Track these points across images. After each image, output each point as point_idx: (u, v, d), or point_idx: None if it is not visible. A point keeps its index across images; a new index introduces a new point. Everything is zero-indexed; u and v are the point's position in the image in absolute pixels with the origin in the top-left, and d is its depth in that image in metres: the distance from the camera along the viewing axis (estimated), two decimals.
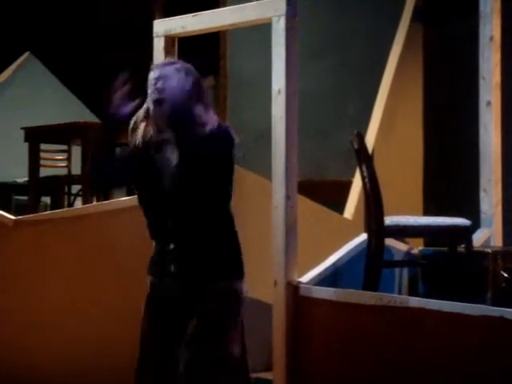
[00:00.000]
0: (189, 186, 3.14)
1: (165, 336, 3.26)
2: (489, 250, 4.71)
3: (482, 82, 5.37)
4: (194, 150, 3.15)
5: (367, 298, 4.02)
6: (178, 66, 3.20)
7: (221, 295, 3.21)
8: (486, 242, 5.14)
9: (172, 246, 3.21)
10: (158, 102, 3.14)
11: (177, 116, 3.15)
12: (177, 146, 3.16)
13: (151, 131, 3.20)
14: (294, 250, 4.15)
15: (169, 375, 3.22)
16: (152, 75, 3.18)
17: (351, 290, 4.04)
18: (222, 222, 3.24)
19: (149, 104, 3.19)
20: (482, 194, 5.31)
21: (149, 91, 3.18)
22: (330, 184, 5.63)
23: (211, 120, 3.19)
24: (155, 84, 3.15)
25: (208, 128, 3.16)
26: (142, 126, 3.23)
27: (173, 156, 3.18)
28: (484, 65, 5.35)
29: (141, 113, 3.25)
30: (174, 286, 3.23)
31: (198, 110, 3.17)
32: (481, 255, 4.63)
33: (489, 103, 5.34)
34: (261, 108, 4.85)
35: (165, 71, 3.17)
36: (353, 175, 5.53)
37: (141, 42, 6.98)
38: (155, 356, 3.26)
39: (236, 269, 3.27)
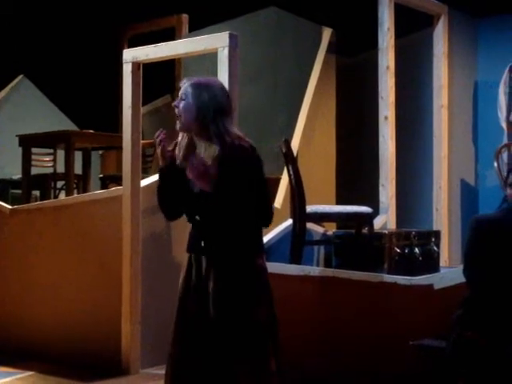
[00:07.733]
0: None
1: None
2: (385, 232, 4.77)
3: (380, 101, 5.44)
4: None
5: (293, 269, 4.06)
6: None
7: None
8: (384, 226, 5.21)
9: None
10: None
11: None
12: None
13: None
14: None
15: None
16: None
17: (280, 264, 4.06)
18: None
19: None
20: (381, 188, 5.38)
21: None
22: None
23: None
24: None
25: None
26: None
27: None
28: (382, 87, 5.43)
29: None
30: None
31: None
32: (379, 235, 4.67)
33: (386, 118, 5.40)
34: None
35: None
36: (281, 173, 5.53)
37: (111, 65, 6.93)
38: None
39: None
